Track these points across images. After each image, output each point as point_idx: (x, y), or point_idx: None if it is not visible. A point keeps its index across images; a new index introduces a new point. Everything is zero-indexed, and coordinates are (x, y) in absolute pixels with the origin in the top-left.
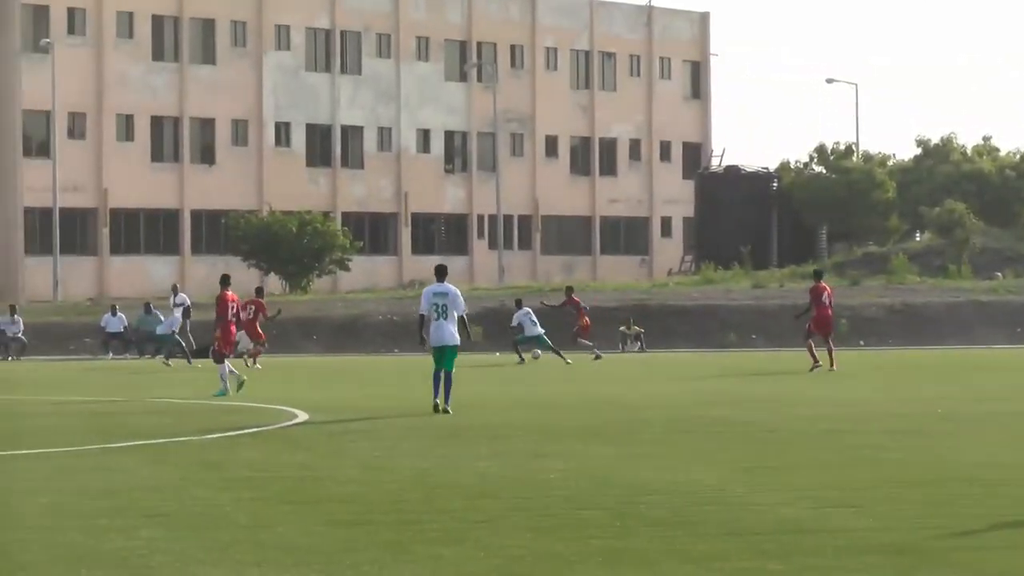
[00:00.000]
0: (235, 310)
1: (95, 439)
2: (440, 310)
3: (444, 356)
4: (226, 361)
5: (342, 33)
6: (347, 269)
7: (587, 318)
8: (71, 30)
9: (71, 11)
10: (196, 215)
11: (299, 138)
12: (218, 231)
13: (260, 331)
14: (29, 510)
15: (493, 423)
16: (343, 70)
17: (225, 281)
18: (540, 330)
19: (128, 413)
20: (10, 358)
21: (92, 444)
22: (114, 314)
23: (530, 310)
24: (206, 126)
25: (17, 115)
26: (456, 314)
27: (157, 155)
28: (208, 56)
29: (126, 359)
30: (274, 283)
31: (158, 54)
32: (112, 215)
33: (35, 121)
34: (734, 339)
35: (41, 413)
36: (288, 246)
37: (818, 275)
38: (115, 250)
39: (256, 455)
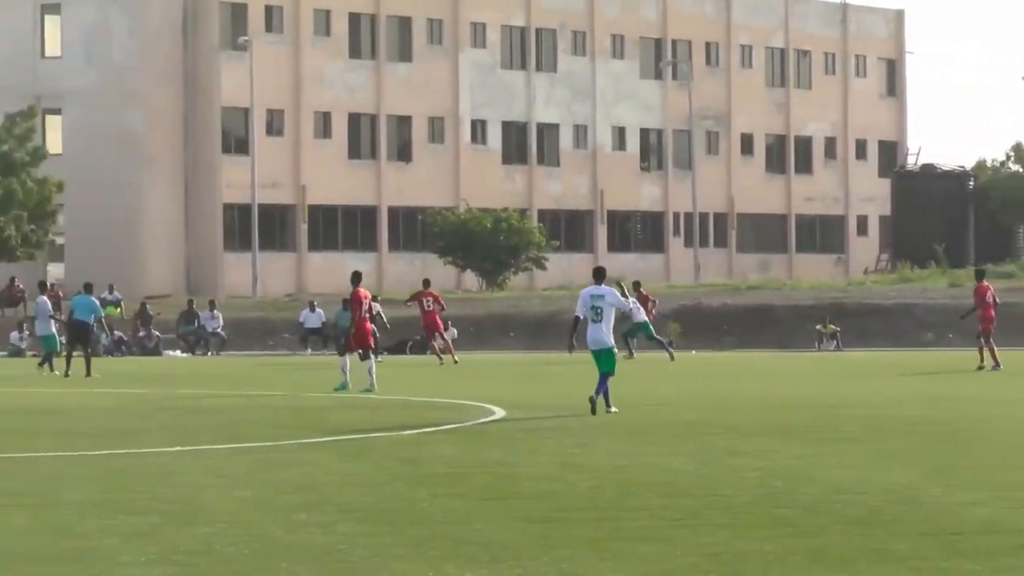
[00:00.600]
0: (367, 307)
1: (293, 434)
2: (597, 313)
3: (603, 359)
4: (347, 357)
5: (537, 31)
6: (543, 267)
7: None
8: (269, 28)
9: (269, 9)
10: (393, 212)
11: (495, 135)
12: (415, 228)
13: (439, 322)
14: (229, 504)
15: (689, 420)
16: (539, 68)
17: (356, 279)
18: (643, 317)
19: (326, 408)
20: (210, 353)
21: (290, 439)
22: (312, 310)
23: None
24: (403, 123)
25: (216, 112)
26: (612, 317)
27: (354, 152)
28: (405, 54)
29: (324, 355)
30: (470, 280)
31: (355, 51)
32: (310, 212)
33: (234, 118)
34: (931, 338)
35: (239, 407)
36: (484, 243)
37: (980, 275)
38: (313, 246)
39: (453, 451)
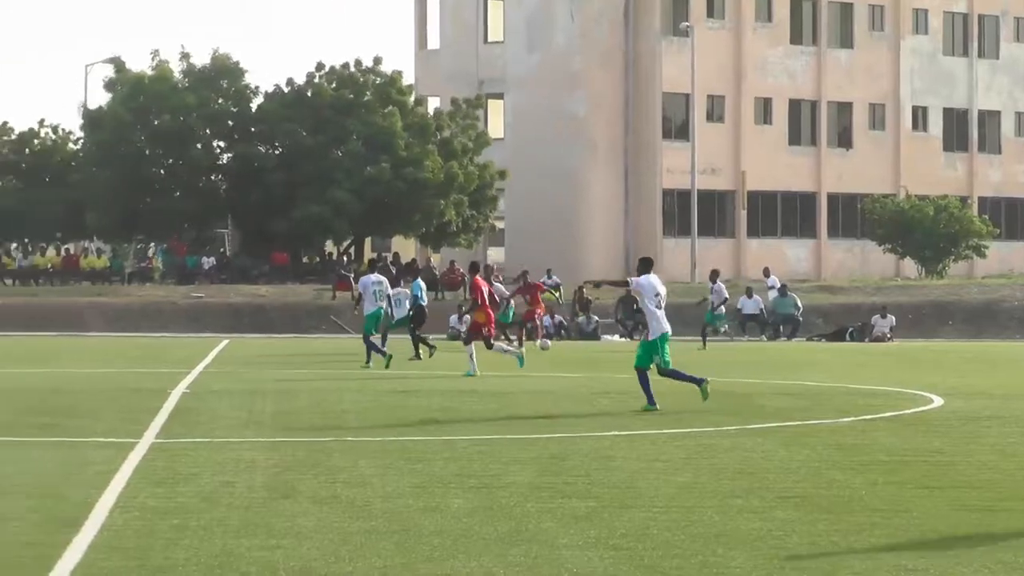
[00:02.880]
0: (488, 293)
1: (732, 420)
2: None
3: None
4: (501, 343)
5: (979, 17)
6: (983, 255)
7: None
8: (710, 13)
9: None
10: (832, 198)
11: (936, 122)
12: (854, 215)
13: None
14: (666, 489)
15: None
16: (981, 54)
17: (475, 268)
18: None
19: (764, 394)
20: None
21: (729, 425)
22: (750, 296)
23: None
24: (843, 110)
25: (657, 97)
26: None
27: (794, 138)
28: (846, 40)
29: (761, 341)
30: (909, 267)
31: (796, 38)
32: (749, 197)
33: (674, 103)
34: None
35: (679, 392)
36: (924, 231)
37: None
38: (751, 232)
39: (891, 439)
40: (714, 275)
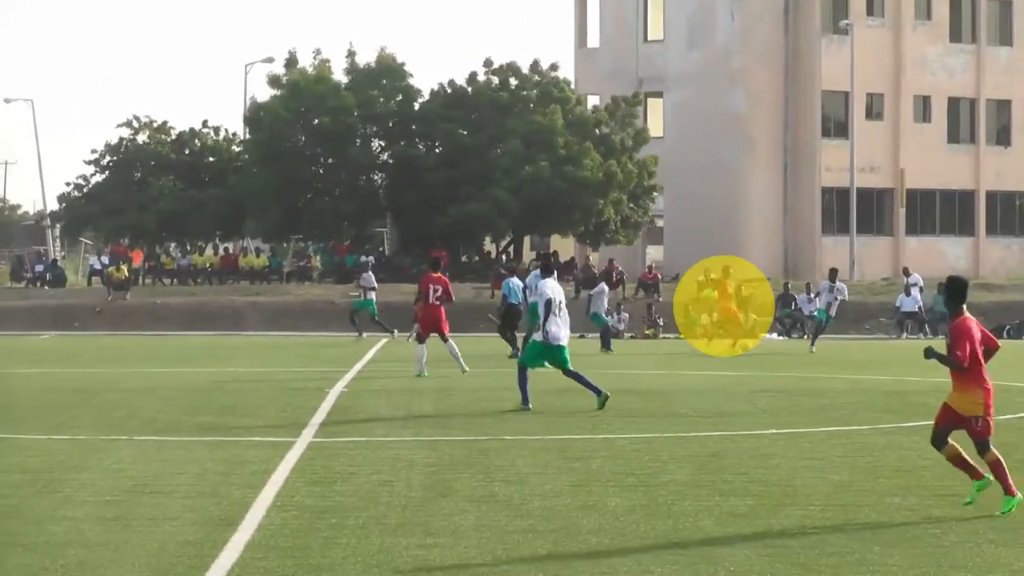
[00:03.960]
0: (439, 293)
1: (890, 418)
2: (560, 306)
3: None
4: (423, 347)
5: None
6: None
7: None
8: (870, 11)
9: None
10: (991, 196)
11: None
12: (1012, 213)
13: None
14: (823, 487)
15: None
16: None
17: (435, 264)
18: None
19: (922, 392)
20: (806, 337)
21: (887, 423)
22: (908, 294)
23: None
24: (1002, 108)
25: (816, 95)
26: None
27: (953, 136)
28: (1005, 37)
29: (919, 339)
30: None
31: (955, 35)
32: (908, 195)
33: (834, 101)
34: None
35: (836, 391)
36: None
37: None
38: (910, 230)
39: None
40: (832, 274)
